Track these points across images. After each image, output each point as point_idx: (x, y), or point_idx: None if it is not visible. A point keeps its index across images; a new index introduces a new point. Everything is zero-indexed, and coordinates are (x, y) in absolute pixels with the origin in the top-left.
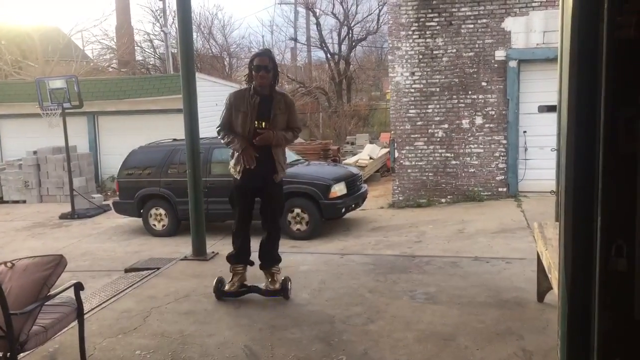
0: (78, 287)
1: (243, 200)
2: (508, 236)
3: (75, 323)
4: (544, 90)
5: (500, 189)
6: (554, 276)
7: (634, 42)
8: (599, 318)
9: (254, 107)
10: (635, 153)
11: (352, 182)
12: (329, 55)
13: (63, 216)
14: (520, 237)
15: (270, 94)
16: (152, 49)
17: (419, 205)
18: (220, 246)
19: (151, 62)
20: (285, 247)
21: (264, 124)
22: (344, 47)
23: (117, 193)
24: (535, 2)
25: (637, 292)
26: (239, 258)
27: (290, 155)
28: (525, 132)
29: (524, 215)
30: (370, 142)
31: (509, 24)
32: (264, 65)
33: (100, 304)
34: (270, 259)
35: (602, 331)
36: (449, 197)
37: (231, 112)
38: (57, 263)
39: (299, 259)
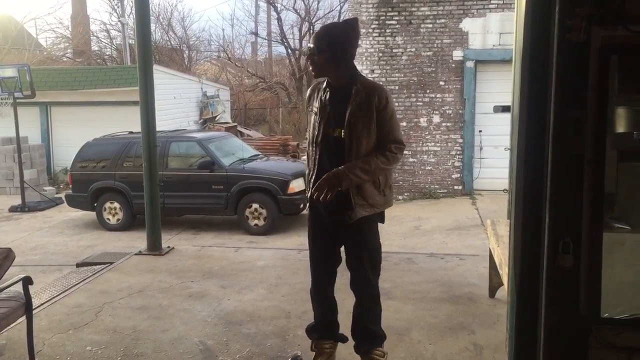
0: (27, 281)
1: (313, 240)
2: (462, 233)
3: (23, 318)
4: (499, 90)
5: (455, 187)
6: (505, 272)
7: (583, 45)
8: (545, 313)
9: (324, 105)
10: (583, 153)
11: None
12: (289, 50)
13: (13, 209)
14: (474, 235)
15: (348, 85)
16: (108, 40)
17: None
18: (177, 241)
19: (107, 53)
20: (242, 242)
21: (341, 131)
22: (304, 43)
23: (70, 186)
24: (492, 4)
25: (583, 288)
26: (321, 331)
27: (249, 150)
28: (480, 131)
29: (478, 212)
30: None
31: (467, 24)
32: (311, 48)
33: (51, 299)
34: (365, 337)
35: (549, 326)
36: (406, 194)
37: (306, 112)
38: (5, 256)
39: (256, 254)
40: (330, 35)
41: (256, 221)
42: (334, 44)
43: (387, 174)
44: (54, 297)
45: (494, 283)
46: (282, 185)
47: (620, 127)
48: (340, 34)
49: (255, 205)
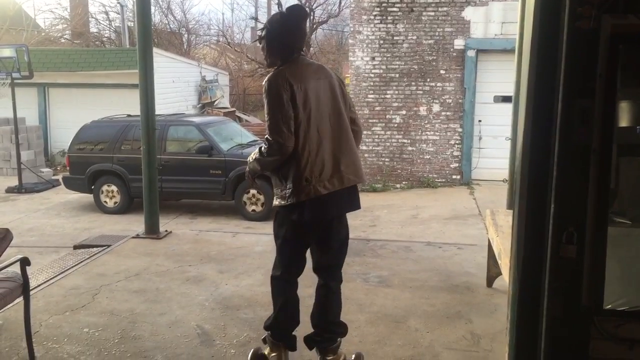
0: (24, 262)
1: None
2: (460, 223)
3: (20, 299)
4: (500, 80)
5: (454, 177)
6: (503, 262)
7: (593, 34)
8: (547, 303)
9: None
10: (589, 144)
11: None
12: None
13: (10, 190)
14: (471, 224)
15: None
16: (107, 22)
17: (374, 190)
18: (174, 225)
19: (106, 35)
20: (240, 227)
21: None
22: None
23: (68, 168)
24: None
25: (586, 279)
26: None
27: (247, 135)
28: (480, 121)
29: (475, 202)
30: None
31: (469, 13)
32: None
33: (48, 280)
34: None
35: (551, 316)
36: (404, 182)
37: None
38: (3, 237)
39: (254, 239)
40: (268, 23)
41: (254, 207)
42: (268, 34)
43: (287, 166)
44: (51, 279)
45: (492, 273)
46: None
47: (622, 121)
48: (274, 23)
49: (253, 191)
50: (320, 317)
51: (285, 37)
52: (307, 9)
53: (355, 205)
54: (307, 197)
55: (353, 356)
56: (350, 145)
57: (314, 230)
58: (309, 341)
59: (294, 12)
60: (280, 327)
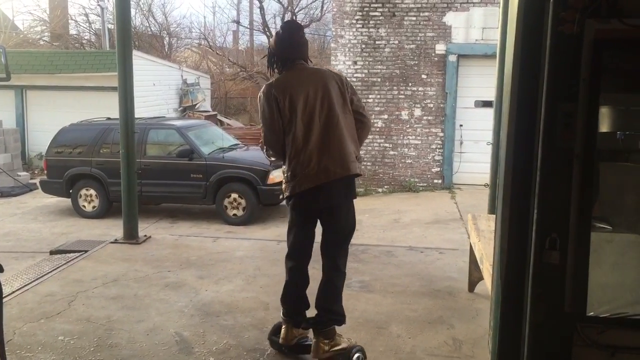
0: None
1: None
2: (442, 227)
3: None
4: (480, 85)
5: (435, 181)
6: (485, 267)
7: (576, 38)
8: (530, 309)
9: None
10: (572, 148)
11: None
12: (271, 40)
13: None
14: (453, 229)
15: None
16: (87, 24)
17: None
18: (154, 230)
19: (86, 37)
20: (220, 232)
21: None
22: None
23: (45, 172)
24: None
25: (569, 285)
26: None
27: (229, 139)
28: (461, 125)
29: (457, 207)
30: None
31: (450, 18)
32: None
33: (22, 287)
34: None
35: (534, 322)
36: (385, 187)
37: None
38: None
39: (235, 244)
40: (269, 44)
41: (235, 211)
42: (269, 52)
43: (285, 164)
44: (25, 285)
45: (474, 277)
46: (262, 176)
47: (603, 127)
48: (272, 42)
49: (234, 195)
50: (317, 301)
51: (280, 51)
52: (298, 22)
53: (350, 196)
54: (296, 190)
55: (354, 344)
56: (339, 140)
57: (312, 217)
58: (304, 321)
59: (285, 27)
60: (286, 303)
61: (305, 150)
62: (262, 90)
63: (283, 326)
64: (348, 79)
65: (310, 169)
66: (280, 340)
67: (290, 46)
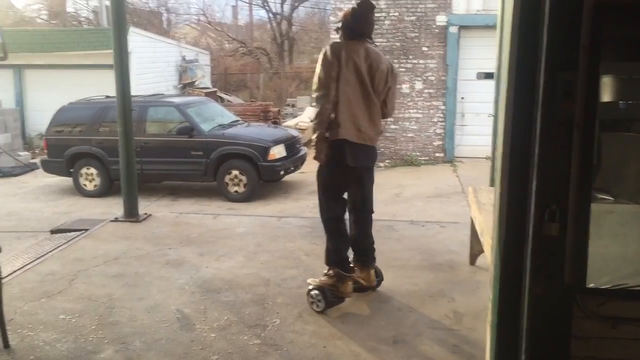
0: None
1: None
2: (443, 200)
3: None
4: (482, 57)
5: (437, 154)
6: (486, 240)
7: (576, 3)
8: (530, 281)
9: None
10: (572, 119)
11: (291, 144)
12: (271, 15)
13: None
14: (455, 202)
15: None
16: (85, 1)
17: None
18: (155, 207)
19: (84, 15)
20: (221, 209)
21: None
22: (286, 7)
23: (46, 151)
24: None
25: (568, 257)
26: None
27: (229, 116)
28: (463, 98)
29: (459, 180)
30: (311, 105)
31: None
32: None
33: (23, 266)
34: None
35: (533, 294)
36: (387, 161)
37: None
38: None
39: (235, 221)
40: (343, 16)
41: (236, 188)
42: (343, 24)
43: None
44: (26, 265)
45: (475, 251)
46: (263, 152)
47: (605, 96)
48: (348, 15)
49: (235, 172)
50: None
51: (352, 24)
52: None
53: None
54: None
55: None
56: (378, 114)
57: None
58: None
59: (363, 5)
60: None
61: (350, 109)
62: (329, 45)
63: (349, 283)
64: None
65: (361, 124)
66: (365, 284)
67: (362, 22)
